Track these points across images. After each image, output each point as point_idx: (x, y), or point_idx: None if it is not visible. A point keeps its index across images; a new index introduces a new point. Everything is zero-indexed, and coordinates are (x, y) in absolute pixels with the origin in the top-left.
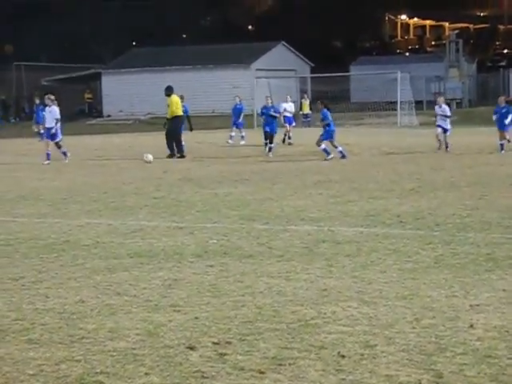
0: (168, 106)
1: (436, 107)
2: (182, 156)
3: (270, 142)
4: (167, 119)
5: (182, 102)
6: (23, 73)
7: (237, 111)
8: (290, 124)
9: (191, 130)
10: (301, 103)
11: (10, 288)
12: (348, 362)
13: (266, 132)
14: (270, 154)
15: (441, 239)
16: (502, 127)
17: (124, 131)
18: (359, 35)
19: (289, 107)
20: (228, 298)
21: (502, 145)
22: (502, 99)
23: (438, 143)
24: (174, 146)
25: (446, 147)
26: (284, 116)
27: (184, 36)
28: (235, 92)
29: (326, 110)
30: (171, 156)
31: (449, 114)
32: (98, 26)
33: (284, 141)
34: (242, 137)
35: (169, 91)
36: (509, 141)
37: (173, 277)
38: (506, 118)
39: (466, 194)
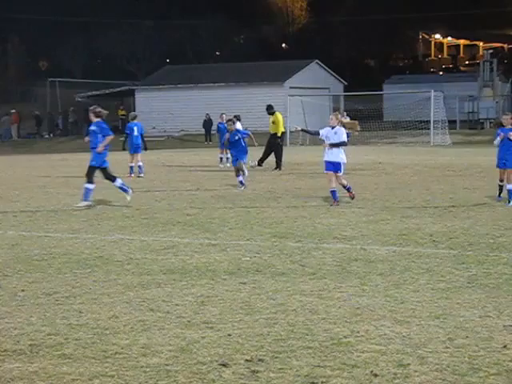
0: (273, 123)
1: (326, 129)
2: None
3: (238, 174)
4: (274, 135)
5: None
6: (57, 89)
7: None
8: None
9: (146, 149)
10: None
11: (44, 303)
12: (381, 381)
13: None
14: (241, 188)
15: (474, 259)
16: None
17: (157, 148)
18: (393, 54)
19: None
20: (261, 315)
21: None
22: (508, 119)
23: (333, 200)
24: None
25: (347, 189)
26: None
27: (217, 53)
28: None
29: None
30: (278, 169)
31: (344, 139)
32: (132, 45)
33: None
34: (227, 158)
35: (272, 109)
36: None
37: (206, 293)
38: None
39: (499, 213)
